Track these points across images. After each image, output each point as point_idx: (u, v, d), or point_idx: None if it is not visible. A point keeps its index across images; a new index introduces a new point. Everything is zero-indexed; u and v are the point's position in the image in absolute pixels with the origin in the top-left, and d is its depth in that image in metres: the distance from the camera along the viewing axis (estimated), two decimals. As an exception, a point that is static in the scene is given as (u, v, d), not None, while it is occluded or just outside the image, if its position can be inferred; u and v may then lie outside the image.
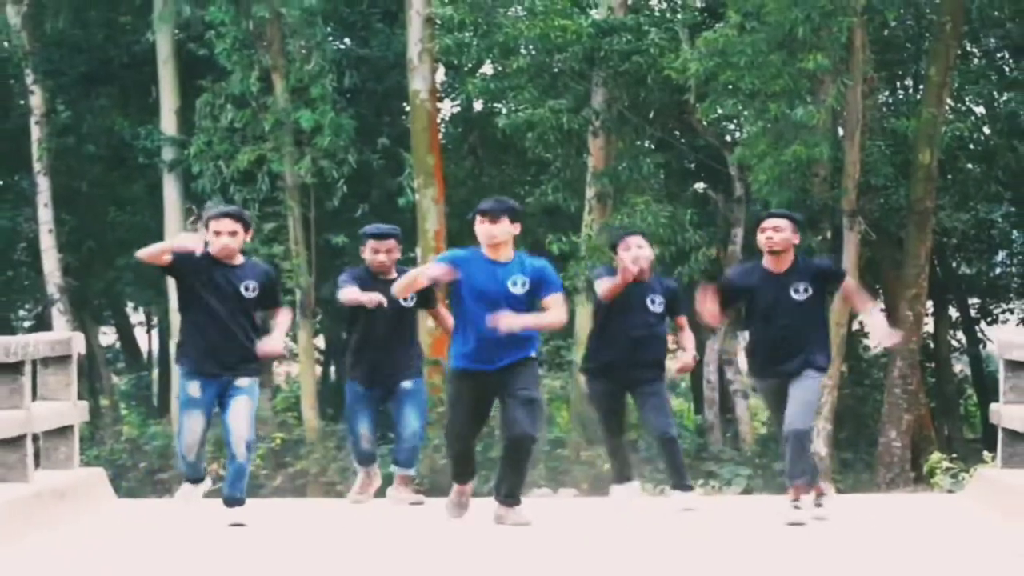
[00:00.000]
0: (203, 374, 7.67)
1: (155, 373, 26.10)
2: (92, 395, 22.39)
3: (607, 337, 8.18)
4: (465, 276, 7.34)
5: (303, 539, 7.24)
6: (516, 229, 7.43)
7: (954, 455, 14.55)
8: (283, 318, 7.89)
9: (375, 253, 8.45)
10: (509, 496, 7.55)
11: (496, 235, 7.36)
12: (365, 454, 8.68)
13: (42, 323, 22.26)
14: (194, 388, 7.70)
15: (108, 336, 27.36)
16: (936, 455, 14.10)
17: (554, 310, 7.38)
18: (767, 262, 7.83)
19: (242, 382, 7.68)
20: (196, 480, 8.02)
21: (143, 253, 7.76)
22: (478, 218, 7.41)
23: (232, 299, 7.62)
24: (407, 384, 8.49)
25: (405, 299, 8.26)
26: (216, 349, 7.63)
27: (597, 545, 6.98)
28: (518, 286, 7.35)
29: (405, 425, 8.52)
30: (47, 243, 21.28)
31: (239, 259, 7.72)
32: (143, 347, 27.64)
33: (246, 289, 7.64)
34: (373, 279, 8.41)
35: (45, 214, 21.27)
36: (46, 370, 8.34)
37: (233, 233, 7.63)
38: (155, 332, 26.99)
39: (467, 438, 7.60)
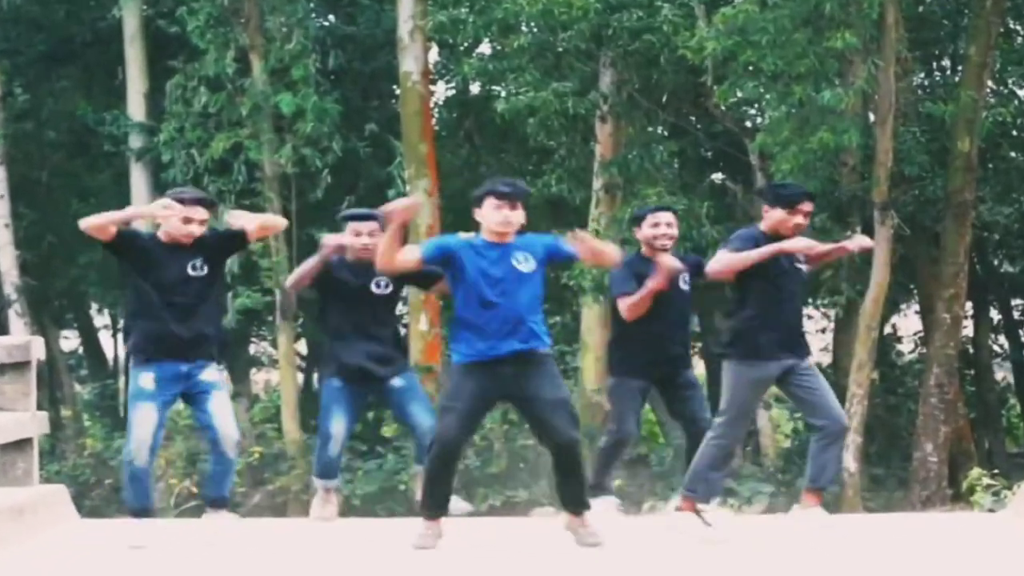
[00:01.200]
0: (158, 357, 7.68)
1: (121, 382, 26.11)
2: (53, 405, 22.40)
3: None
4: (463, 263, 7.37)
5: (282, 562, 7.25)
6: (523, 217, 7.54)
7: (996, 471, 14.58)
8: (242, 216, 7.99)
9: (357, 235, 8.47)
10: (576, 505, 7.60)
11: (513, 222, 7.43)
12: (332, 462, 8.66)
13: (-2, 326, 22.25)
14: (146, 379, 7.70)
15: (70, 341, 27.38)
16: (976, 471, 14.12)
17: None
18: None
19: (209, 375, 7.69)
20: (144, 511, 7.76)
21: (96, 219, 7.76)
22: (493, 201, 7.42)
23: (180, 283, 7.66)
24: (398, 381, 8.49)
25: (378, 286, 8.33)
26: (176, 335, 7.66)
27: (605, 566, 6.99)
28: (522, 263, 7.39)
29: (419, 423, 8.52)
30: (3, 239, 21.27)
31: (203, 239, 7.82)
32: (108, 353, 27.65)
33: (193, 268, 7.68)
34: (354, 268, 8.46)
35: (1, 207, 21.24)
36: (2, 378, 8.36)
37: (203, 222, 7.76)
38: (120, 336, 26.99)
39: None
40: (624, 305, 8.46)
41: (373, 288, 8.35)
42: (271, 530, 8.79)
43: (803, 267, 7.88)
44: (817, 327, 25.06)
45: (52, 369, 23.24)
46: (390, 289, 8.39)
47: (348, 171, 20.69)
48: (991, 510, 12.15)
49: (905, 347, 22.56)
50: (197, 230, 7.69)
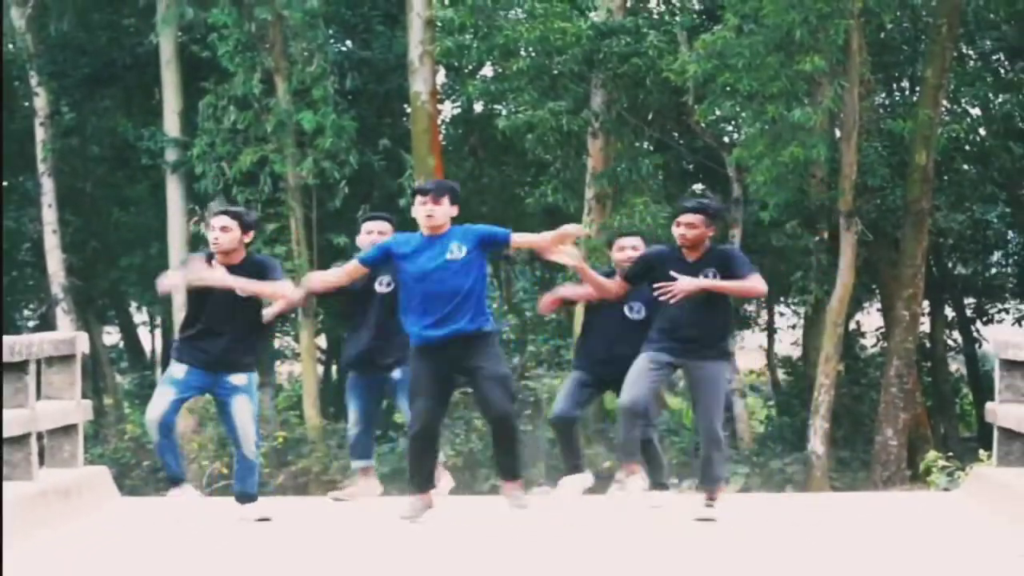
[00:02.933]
0: (191, 363, 7.67)
1: (158, 372, 26.07)
2: (96, 394, 22.38)
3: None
4: (402, 258, 7.43)
5: (306, 537, 7.24)
6: (455, 211, 7.51)
7: (950, 453, 14.53)
8: (270, 281, 7.69)
9: (368, 234, 8.49)
10: (508, 472, 7.67)
11: (436, 215, 7.43)
12: (354, 444, 8.68)
13: (46, 323, 22.23)
14: (178, 370, 7.70)
15: (112, 335, 27.34)
16: (932, 454, 14.09)
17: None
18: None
19: (237, 379, 7.68)
20: (176, 479, 7.78)
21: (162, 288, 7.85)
22: (418, 199, 7.52)
23: (224, 299, 7.62)
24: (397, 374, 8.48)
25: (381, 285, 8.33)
26: (207, 349, 7.63)
27: (599, 542, 6.97)
28: (454, 252, 7.41)
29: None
30: (51, 243, 21.27)
31: (239, 257, 7.71)
32: (146, 346, 27.60)
33: (241, 291, 7.64)
34: None
35: (49, 215, 21.27)
36: (50, 369, 8.34)
37: (224, 228, 7.65)
38: (158, 331, 26.94)
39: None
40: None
41: (376, 287, 8.37)
42: (295, 508, 8.78)
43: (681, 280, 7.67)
44: (788, 323, 25.07)
45: (95, 361, 23.22)
46: (392, 288, 8.38)
47: (364, 182, 20.68)
48: (946, 489, 12.13)
49: (868, 342, 22.54)
50: (219, 235, 7.65)
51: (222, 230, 7.63)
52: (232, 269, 7.65)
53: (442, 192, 7.50)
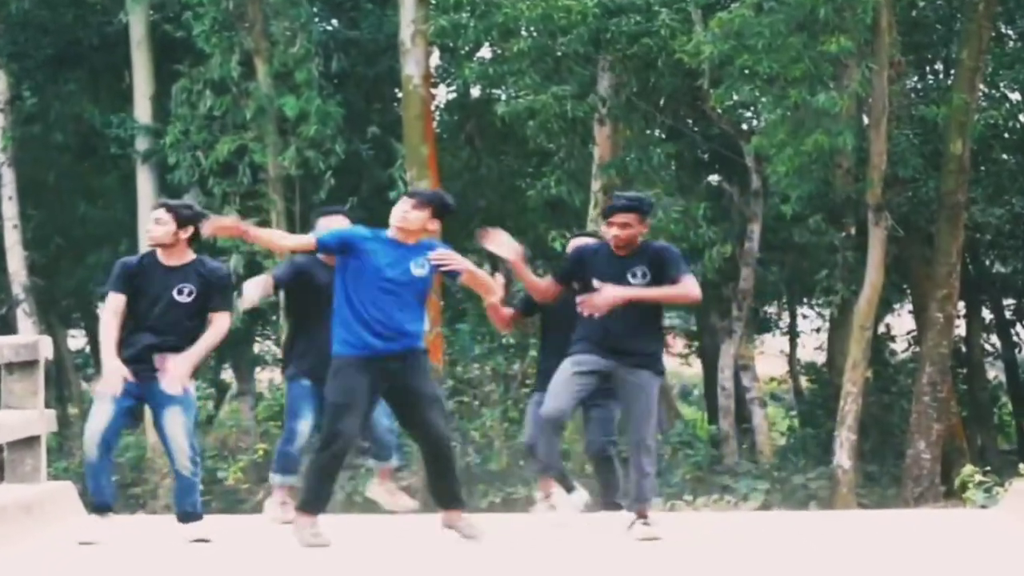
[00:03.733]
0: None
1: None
2: (60, 403, 22.41)
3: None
4: (363, 254, 7.41)
5: (280, 556, 7.25)
6: (432, 226, 7.51)
7: (988, 468, 14.55)
8: (211, 331, 7.65)
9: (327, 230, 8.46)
10: (453, 500, 7.68)
11: (410, 219, 7.45)
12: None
13: (6, 326, 22.23)
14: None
15: (77, 340, 27.40)
16: (968, 468, 14.11)
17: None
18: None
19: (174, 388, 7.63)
20: (101, 508, 7.67)
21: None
22: (404, 198, 7.59)
23: (165, 304, 7.60)
24: None
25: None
26: (143, 354, 7.59)
27: (603, 560, 6.99)
28: (420, 268, 7.45)
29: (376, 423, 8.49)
30: (12, 239, 21.29)
31: (187, 258, 7.71)
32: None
33: (179, 293, 7.62)
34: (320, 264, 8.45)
35: (10, 208, 21.28)
36: (11, 376, 8.35)
37: (157, 221, 7.66)
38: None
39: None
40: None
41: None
42: (276, 527, 8.78)
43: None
44: (812, 326, 25.08)
45: (60, 368, 23.25)
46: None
47: (351, 173, 20.69)
48: (983, 507, 12.14)
49: (899, 346, 22.57)
50: (153, 229, 7.65)
51: (155, 222, 7.67)
52: (175, 272, 7.63)
53: (428, 201, 7.51)
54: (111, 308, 7.62)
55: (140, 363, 7.57)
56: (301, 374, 8.51)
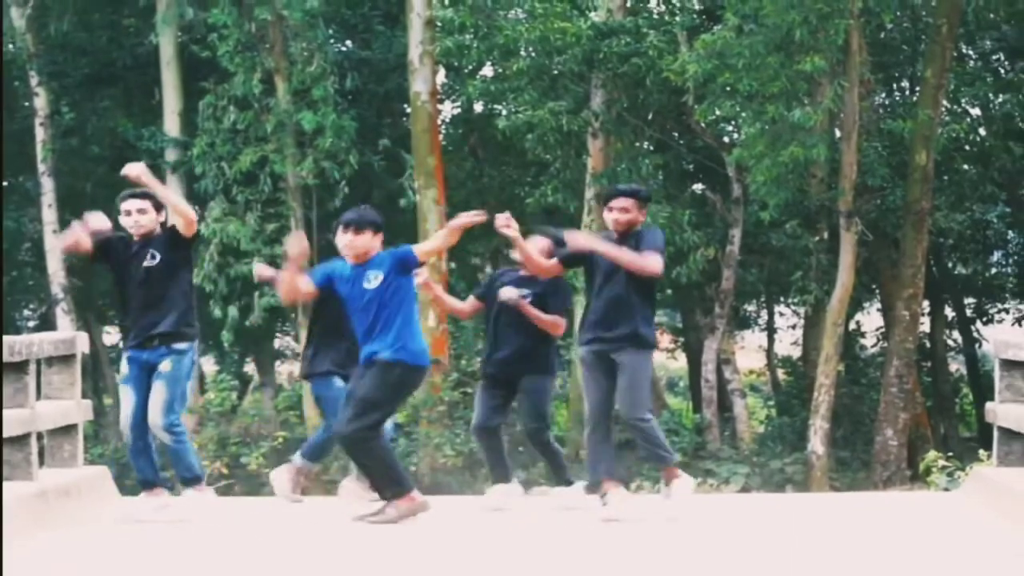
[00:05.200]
0: (130, 349, 7.68)
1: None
2: (96, 394, 22.39)
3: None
4: (337, 285, 7.61)
5: (307, 536, 7.24)
6: (377, 241, 7.59)
7: (950, 453, 14.53)
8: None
9: (127, 215, 8.31)
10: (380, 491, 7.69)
11: (356, 245, 7.55)
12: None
13: (46, 323, 22.25)
14: (124, 366, 7.75)
15: (111, 335, 27.34)
16: (932, 454, 14.08)
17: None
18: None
19: (163, 365, 7.64)
20: (144, 483, 7.74)
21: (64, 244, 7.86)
22: (340, 229, 7.66)
23: (141, 273, 7.64)
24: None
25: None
26: (137, 327, 7.64)
27: (593, 543, 6.98)
28: (371, 281, 7.48)
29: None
30: (51, 243, 21.28)
31: (154, 233, 7.76)
32: (146, 346, 27.58)
33: (151, 258, 7.65)
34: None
35: (49, 215, 21.28)
36: (50, 369, 8.34)
37: (142, 211, 7.74)
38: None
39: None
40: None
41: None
42: (293, 507, 8.77)
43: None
44: (788, 323, 25.07)
45: (95, 361, 23.23)
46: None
47: (364, 182, 20.69)
48: (946, 490, 12.13)
49: (868, 341, 22.55)
50: (141, 219, 7.72)
51: (140, 212, 7.71)
52: (141, 247, 7.69)
53: (363, 225, 7.58)
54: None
55: (144, 337, 7.62)
56: (334, 372, 8.50)
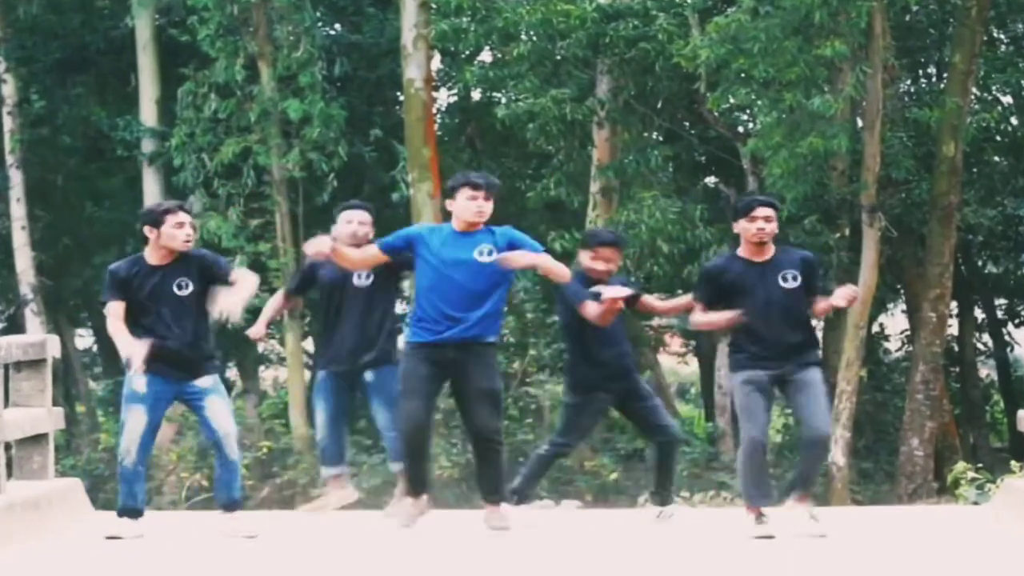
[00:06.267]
0: (154, 372, 7.65)
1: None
2: (68, 401, 22.39)
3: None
4: (426, 250, 7.52)
5: (291, 552, 7.25)
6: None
7: (980, 465, 14.56)
8: (242, 278, 7.72)
9: (348, 224, 8.56)
10: (490, 494, 7.69)
11: (485, 212, 7.54)
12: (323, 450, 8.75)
13: (14, 325, 22.25)
14: (139, 383, 7.66)
15: (85, 339, 27.36)
16: (961, 465, 14.10)
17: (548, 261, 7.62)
18: (748, 252, 7.85)
19: (205, 382, 7.69)
20: (132, 512, 7.70)
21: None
22: (467, 191, 7.54)
23: (170, 301, 7.64)
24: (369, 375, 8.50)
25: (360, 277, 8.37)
26: (166, 353, 7.62)
27: (602, 558, 6.99)
28: (484, 255, 7.45)
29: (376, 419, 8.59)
30: (20, 240, 21.28)
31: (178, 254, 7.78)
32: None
33: (179, 288, 7.66)
34: None
35: (18, 209, 21.27)
36: (19, 375, 8.34)
37: (193, 226, 7.79)
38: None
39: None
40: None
41: (355, 280, 8.42)
42: (279, 522, 8.79)
43: (789, 284, 7.77)
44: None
45: (67, 366, 23.23)
46: (371, 281, 8.41)
47: (353, 175, 20.69)
48: (975, 503, 12.14)
49: (892, 345, 22.56)
50: (192, 234, 7.73)
51: (190, 226, 7.75)
52: (181, 261, 7.69)
53: (492, 189, 7.63)
54: (114, 314, 7.66)
55: (169, 365, 7.61)
56: (323, 366, 8.68)
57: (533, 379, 19.42)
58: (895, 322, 23.44)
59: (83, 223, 22.97)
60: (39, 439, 8.41)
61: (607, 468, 18.33)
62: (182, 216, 7.70)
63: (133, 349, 7.51)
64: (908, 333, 21.60)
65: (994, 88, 21.35)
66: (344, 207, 8.82)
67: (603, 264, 8.07)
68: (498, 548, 7.38)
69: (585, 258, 8.22)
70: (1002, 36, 22.13)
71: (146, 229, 7.70)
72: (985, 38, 19.70)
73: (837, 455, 17.94)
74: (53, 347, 8.56)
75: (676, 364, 29.10)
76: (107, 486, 19.81)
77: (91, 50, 21.94)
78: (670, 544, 7.51)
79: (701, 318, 7.87)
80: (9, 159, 21.22)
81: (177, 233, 7.66)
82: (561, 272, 7.71)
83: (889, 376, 21.32)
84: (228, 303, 7.57)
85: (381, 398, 8.44)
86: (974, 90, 19.49)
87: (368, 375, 8.45)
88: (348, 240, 8.42)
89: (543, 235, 19.30)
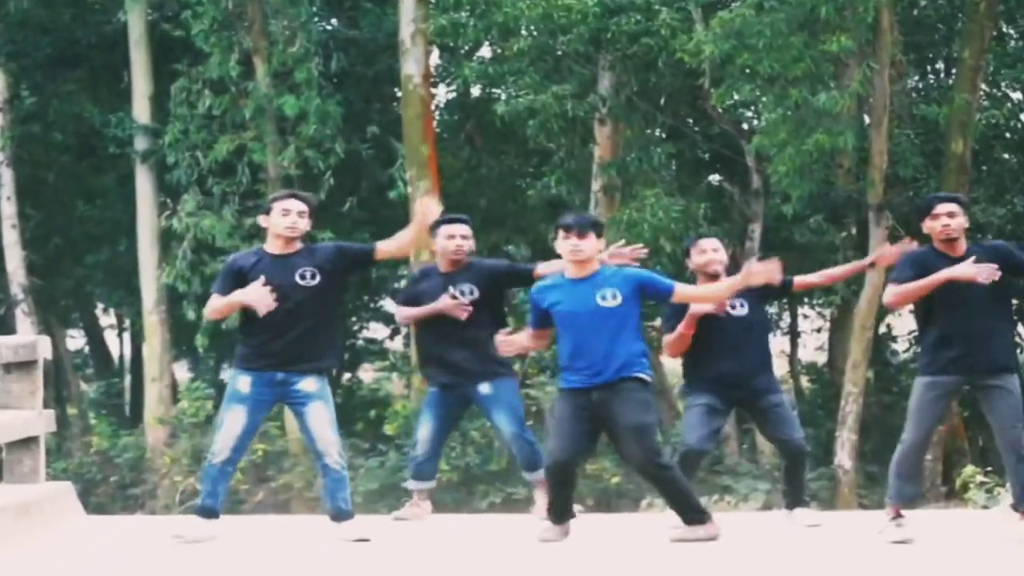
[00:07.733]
0: (259, 369, 7.65)
1: (127, 380, 26.11)
2: (59, 403, 22.40)
3: None
4: (552, 306, 7.57)
5: (287, 558, 7.25)
6: (602, 244, 7.71)
7: (989, 468, 14.54)
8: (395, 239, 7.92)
9: (450, 239, 8.64)
10: (680, 514, 7.72)
11: (584, 250, 7.57)
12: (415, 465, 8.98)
13: (5, 326, 22.24)
14: (243, 383, 7.69)
15: (76, 340, 27.40)
16: (970, 468, 14.12)
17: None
18: (942, 248, 7.87)
19: (309, 384, 7.66)
20: (210, 512, 7.73)
21: (213, 312, 7.84)
22: (560, 233, 7.64)
23: (290, 291, 7.63)
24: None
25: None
26: (274, 348, 7.62)
27: (605, 561, 6.99)
28: (608, 299, 7.47)
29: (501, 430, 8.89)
30: (10, 239, 21.28)
31: (296, 246, 7.78)
32: (114, 352, 27.65)
33: (302, 278, 7.65)
34: (439, 273, 8.68)
35: (8, 208, 21.27)
36: (9, 376, 8.34)
37: (301, 214, 7.79)
38: (127, 335, 26.99)
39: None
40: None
41: (459, 296, 8.52)
42: (276, 526, 8.79)
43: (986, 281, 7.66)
44: (813, 326, 25.07)
45: (58, 368, 23.24)
46: (476, 296, 8.49)
47: (350, 173, 20.69)
48: (985, 507, 12.14)
49: (900, 346, 22.55)
50: (298, 222, 7.76)
51: (299, 215, 7.80)
52: (285, 260, 7.76)
53: (585, 227, 7.64)
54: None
55: (281, 362, 7.60)
56: (432, 382, 8.93)
57: (534, 381, 19.42)
58: (902, 323, 23.42)
59: (74, 222, 22.99)
60: (30, 442, 8.41)
61: (608, 472, 18.31)
62: (296, 205, 7.85)
63: (251, 295, 7.55)
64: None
65: (1003, 84, 21.35)
66: (443, 220, 8.74)
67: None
68: (503, 552, 7.39)
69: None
70: (1011, 31, 22.13)
71: None
72: (994, 33, 19.70)
73: (843, 458, 17.95)
74: (44, 348, 8.56)
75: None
76: (98, 490, 19.84)
77: (83, 45, 21.94)
78: (671, 546, 7.51)
79: (903, 287, 7.83)
80: (-1, 156, 21.24)
81: (282, 221, 7.84)
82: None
83: (896, 378, 21.32)
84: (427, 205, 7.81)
85: (500, 409, 8.51)
86: (983, 86, 19.49)
87: (484, 387, 8.51)
88: (452, 255, 8.48)
89: (543, 233, 19.35)
